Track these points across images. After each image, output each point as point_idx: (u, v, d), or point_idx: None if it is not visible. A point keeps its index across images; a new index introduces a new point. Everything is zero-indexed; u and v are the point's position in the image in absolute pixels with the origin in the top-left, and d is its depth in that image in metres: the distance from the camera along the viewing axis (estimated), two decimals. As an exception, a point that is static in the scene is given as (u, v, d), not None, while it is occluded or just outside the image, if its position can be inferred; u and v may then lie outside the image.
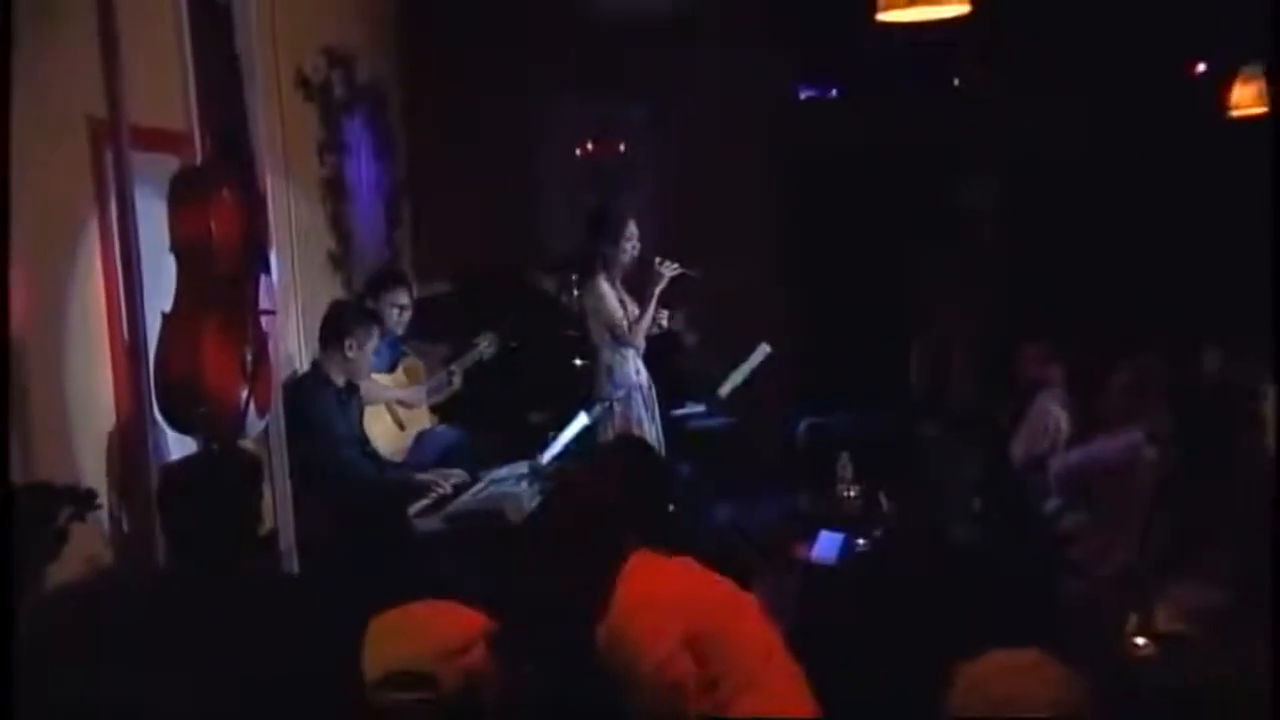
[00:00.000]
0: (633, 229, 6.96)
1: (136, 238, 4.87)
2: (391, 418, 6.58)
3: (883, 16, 3.96)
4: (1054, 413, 6.75)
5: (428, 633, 2.98)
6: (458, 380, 6.96)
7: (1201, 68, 8.99)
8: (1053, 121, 8.93)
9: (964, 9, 4.04)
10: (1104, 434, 6.18)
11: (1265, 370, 5.97)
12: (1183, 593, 4.38)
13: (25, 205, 4.39)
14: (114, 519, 4.99)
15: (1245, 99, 7.78)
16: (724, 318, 8.12)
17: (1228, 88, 7.93)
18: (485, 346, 7.16)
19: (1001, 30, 7.55)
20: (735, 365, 7.22)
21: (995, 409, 7.41)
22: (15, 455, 4.27)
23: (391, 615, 3.05)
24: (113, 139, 4.82)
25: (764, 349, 7.19)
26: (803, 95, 9.61)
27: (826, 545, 6.04)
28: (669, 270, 6.93)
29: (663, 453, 6.66)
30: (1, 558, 2.63)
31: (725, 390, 6.99)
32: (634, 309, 6.95)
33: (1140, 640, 4.19)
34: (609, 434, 6.79)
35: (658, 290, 6.94)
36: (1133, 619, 4.31)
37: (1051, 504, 6.30)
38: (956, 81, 9.43)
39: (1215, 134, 8.38)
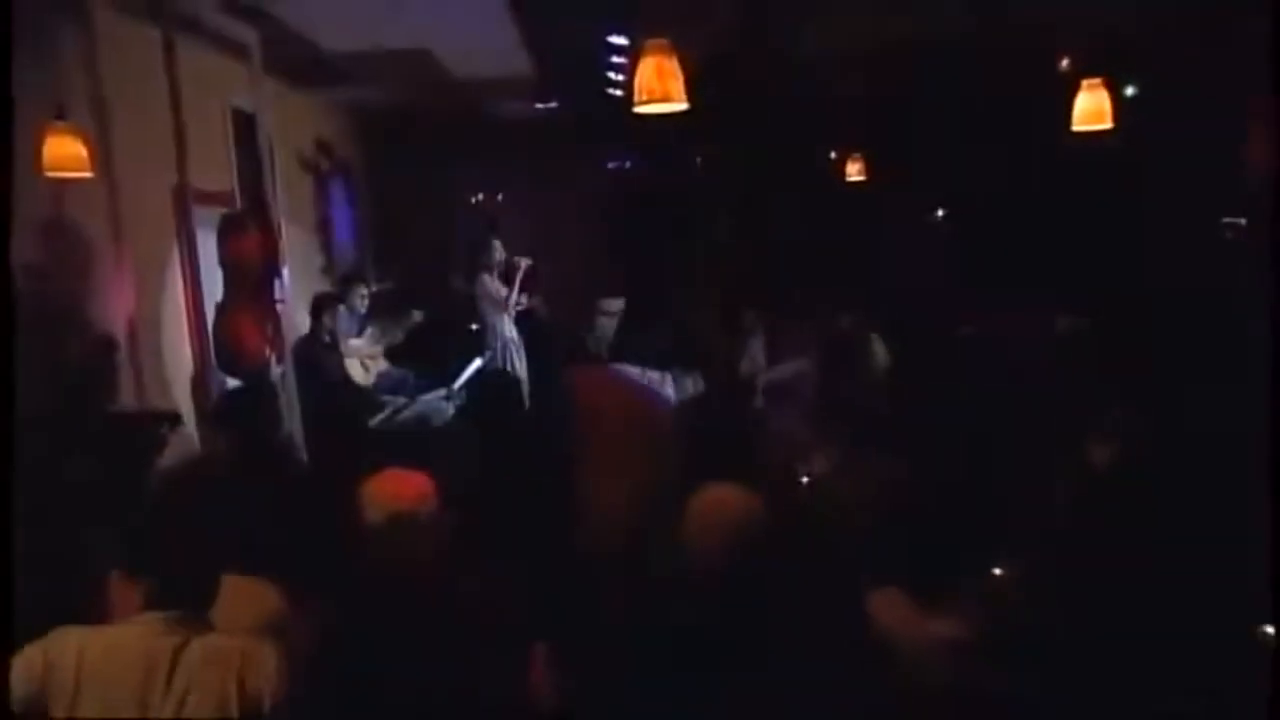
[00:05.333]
0: (497, 245, 7.25)
1: (198, 258, 4.99)
2: (360, 364, 6.63)
3: (638, 109, 3.45)
4: (756, 348, 6.84)
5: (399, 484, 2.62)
6: (401, 337, 7.10)
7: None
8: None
9: (684, 106, 3.40)
10: (787, 362, 6.35)
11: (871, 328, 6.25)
12: (829, 450, 4.29)
13: (139, 240, 4.65)
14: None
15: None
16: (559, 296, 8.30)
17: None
18: (415, 318, 7.33)
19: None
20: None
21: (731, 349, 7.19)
22: (132, 393, 4.52)
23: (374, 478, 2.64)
24: (183, 198, 4.93)
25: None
26: (609, 165, 9.79)
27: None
28: (523, 263, 7.24)
29: (524, 380, 6.93)
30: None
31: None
32: (505, 291, 7.22)
33: (805, 478, 4.17)
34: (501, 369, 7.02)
35: (519, 278, 7.23)
36: (800, 467, 4.26)
37: (758, 403, 6.31)
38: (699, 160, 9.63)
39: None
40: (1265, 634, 2.42)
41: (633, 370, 5.28)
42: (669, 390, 5.30)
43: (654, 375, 5.34)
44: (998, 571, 2.61)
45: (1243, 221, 5.93)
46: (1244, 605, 2.43)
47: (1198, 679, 2.28)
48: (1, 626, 1.92)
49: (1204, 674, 2.30)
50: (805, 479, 4.20)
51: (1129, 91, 6.08)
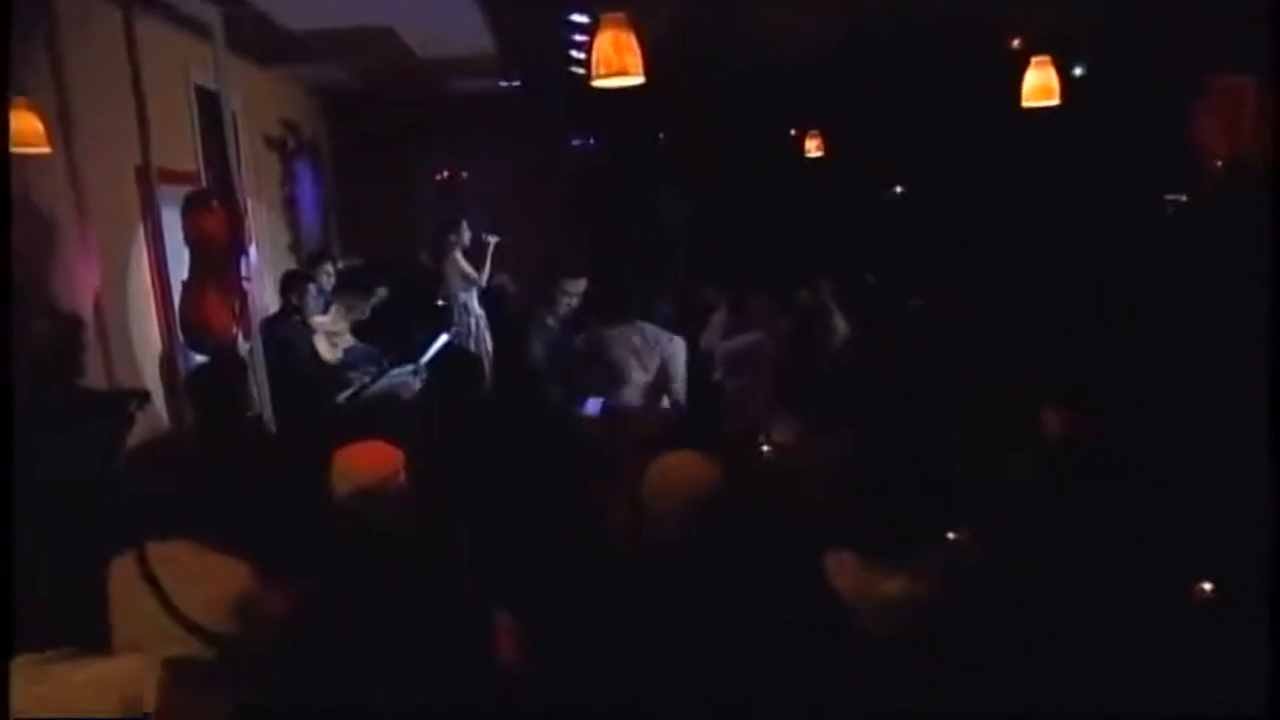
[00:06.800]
0: (465, 224, 7.19)
1: (163, 236, 4.86)
2: (327, 340, 6.56)
3: (596, 83, 3.47)
4: (715, 323, 6.85)
5: (367, 458, 2.66)
6: (367, 313, 7.04)
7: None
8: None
9: (641, 79, 3.42)
10: (742, 335, 6.31)
11: (827, 301, 6.29)
12: (787, 420, 4.32)
13: (102, 218, 4.58)
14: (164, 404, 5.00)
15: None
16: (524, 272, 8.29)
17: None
18: (381, 295, 7.27)
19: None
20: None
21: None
22: (101, 372, 4.49)
23: (345, 450, 2.69)
24: (147, 176, 4.83)
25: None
26: (573, 143, 9.72)
27: (591, 405, 6.33)
28: (491, 240, 7.19)
29: (490, 356, 6.92)
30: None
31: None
32: (473, 270, 7.18)
33: (765, 447, 4.20)
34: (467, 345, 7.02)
35: (489, 254, 7.19)
36: (761, 435, 4.30)
37: (717, 375, 6.27)
38: (662, 136, 9.57)
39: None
40: (1204, 590, 2.45)
41: (649, 329, 5.26)
42: (680, 352, 5.27)
43: (665, 336, 5.31)
44: (952, 535, 2.61)
45: (1184, 198, 5.98)
46: (1194, 562, 2.46)
47: (1147, 635, 2.29)
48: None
49: (1153, 630, 2.30)
50: (766, 448, 4.19)
51: (1077, 70, 6.12)
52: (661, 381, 5.15)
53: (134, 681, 1.80)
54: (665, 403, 5.19)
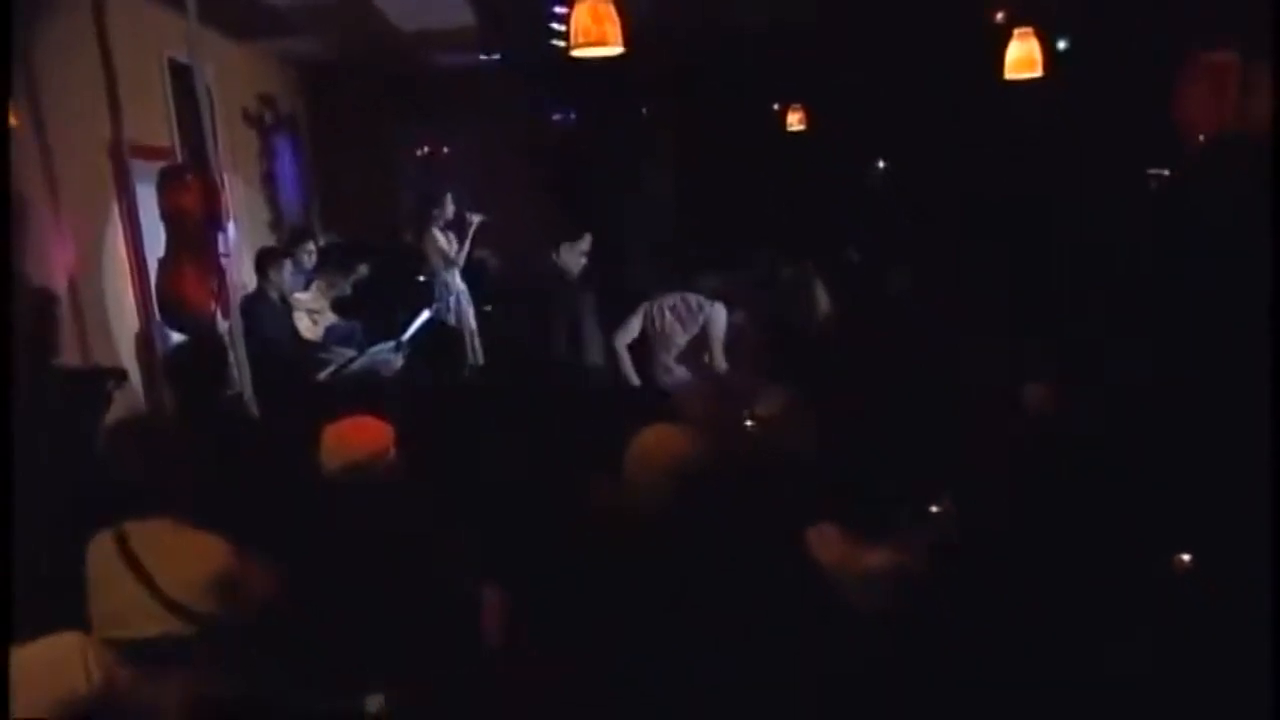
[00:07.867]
0: (449, 199, 7.14)
1: (138, 212, 4.93)
2: (308, 318, 6.54)
3: (575, 53, 3.42)
4: None
5: (359, 433, 2.66)
6: (349, 290, 6.98)
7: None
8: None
9: (620, 49, 3.37)
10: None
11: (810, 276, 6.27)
12: (772, 396, 4.32)
13: (74, 195, 4.53)
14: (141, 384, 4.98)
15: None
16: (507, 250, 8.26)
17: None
18: (362, 271, 7.22)
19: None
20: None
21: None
22: (77, 350, 4.45)
23: (334, 426, 2.66)
24: (120, 152, 4.83)
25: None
26: (554, 117, 9.57)
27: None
28: (474, 219, 7.14)
29: (475, 331, 6.91)
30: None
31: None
32: (455, 246, 7.13)
33: (749, 421, 4.40)
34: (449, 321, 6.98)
35: (470, 232, 7.15)
36: (746, 411, 4.38)
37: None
38: (645, 110, 9.47)
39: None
40: (1183, 561, 2.46)
41: (691, 296, 5.55)
42: (720, 316, 5.56)
43: (707, 301, 5.57)
44: (935, 509, 2.63)
45: (1166, 172, 6.01)
46: (1173, 535, 2.46)
47: (1124, 606, 2.30)
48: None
49: (1131, 601, 2.30)
50: (749, 423, 4.26)
51: (1061, 44, 6.12)
52: (702, 343, 5.53)
53: (70, 660, 1.74)
54: (705, 361, 5.54)
